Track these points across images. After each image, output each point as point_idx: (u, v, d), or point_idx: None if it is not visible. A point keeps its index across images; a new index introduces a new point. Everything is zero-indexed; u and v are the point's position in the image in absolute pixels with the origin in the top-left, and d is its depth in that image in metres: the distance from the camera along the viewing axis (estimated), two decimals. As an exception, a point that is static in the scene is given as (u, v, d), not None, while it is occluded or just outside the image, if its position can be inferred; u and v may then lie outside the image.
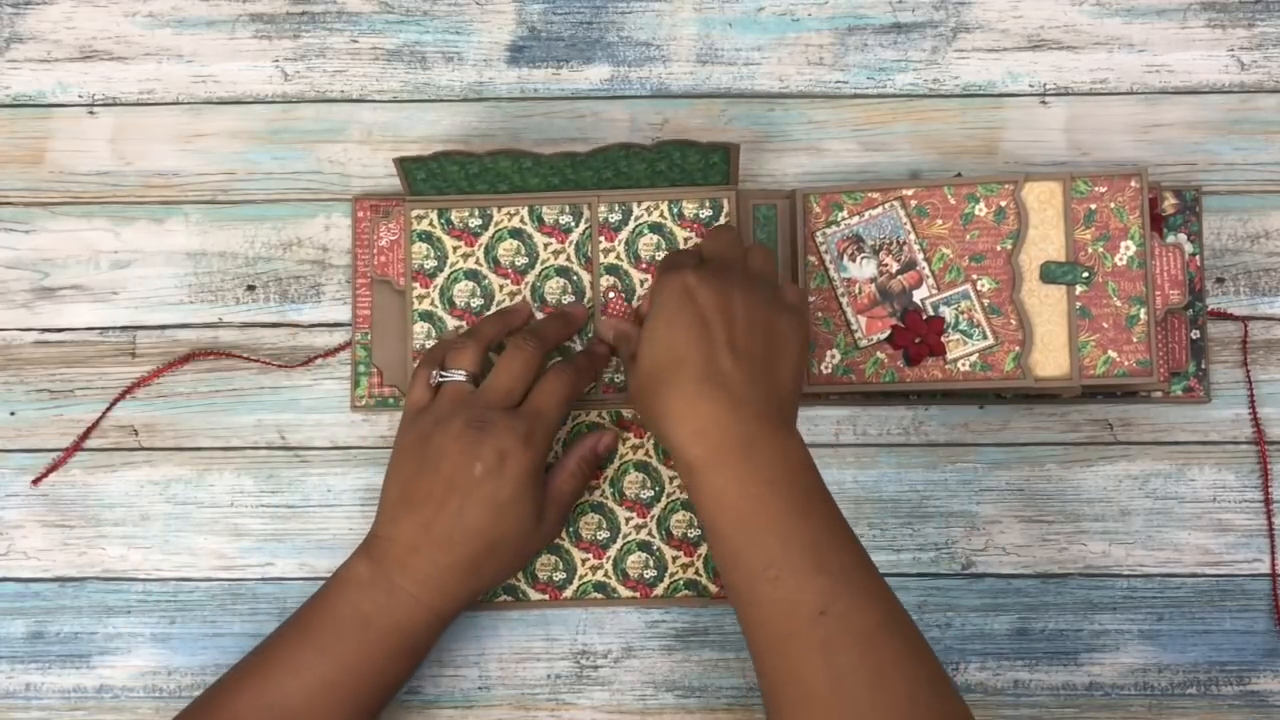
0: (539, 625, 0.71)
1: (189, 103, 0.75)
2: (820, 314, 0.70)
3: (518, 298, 0.71)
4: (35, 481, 0.72)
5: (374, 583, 0.62)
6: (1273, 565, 0.71)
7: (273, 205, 0.74)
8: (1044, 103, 0.74)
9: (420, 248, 0.71)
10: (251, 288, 0.73)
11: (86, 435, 0.72)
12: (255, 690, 0.61)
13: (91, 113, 0.74)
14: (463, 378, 0.65)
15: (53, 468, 0.72)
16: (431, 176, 0.69)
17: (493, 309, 0.71)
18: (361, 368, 0.72)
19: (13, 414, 0.73)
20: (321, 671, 0.61)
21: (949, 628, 0.71)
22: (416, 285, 0.71)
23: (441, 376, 0.66)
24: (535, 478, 0.64)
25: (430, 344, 0.70)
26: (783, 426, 0.62)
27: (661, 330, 0.62)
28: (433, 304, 0.71)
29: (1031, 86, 0.74)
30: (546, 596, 0.70)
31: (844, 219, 0.71)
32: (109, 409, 0.72)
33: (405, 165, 0.68)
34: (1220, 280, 0.73)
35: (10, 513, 0.72)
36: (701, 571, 0.71)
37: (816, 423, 0.72)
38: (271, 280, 0.73)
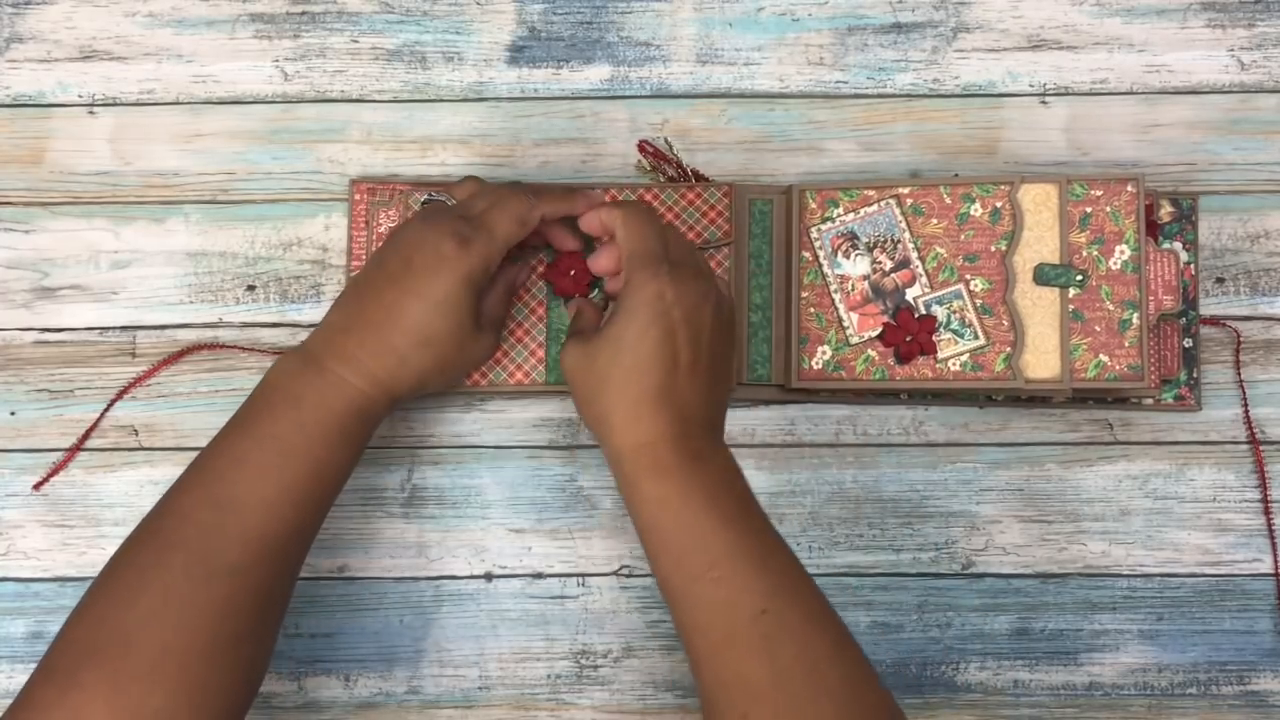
0: (539, 625, 0.71)
1: (189, 103, 0.75)
2: (813, 310, 0.70)
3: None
4: (37, 486, 0.72)
5: (304, 365, 0.62)
6: (1275, 565, 0.71)
7: (273, 205, 0.74)
8: (1044, 103, 0.74)
9: None
10: (251, 288, 0.73)
11: (86, 437, 0.72)
12: (203, 485, 0.61)
13: (91, 113, 0.74)
14: (448, 201, 0.66)
15: (54, 471, 0.72)
16: None
17: None
18: (361, 367, 0.72)
19: (13, 414, 0.73)
20: (260, 458, 0.61)
21: (949, 627, 0.71)
22: None
23: (433, 196, 0.67)
24: (471, 284, 0.63)
25: None
26: (719, 438, 0.63)
27: (631, 337, 0.61)
28: None
29: (1031, 86, 0.74)
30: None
31: (839, 215, 0.71)
32: (106, 410, 0.72)
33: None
34: (1220, 280, 0.73)
35: (10, 513, 0.72)
36: None
37: (817, 422, 0.72)
38: (271, 280, 0.73)
